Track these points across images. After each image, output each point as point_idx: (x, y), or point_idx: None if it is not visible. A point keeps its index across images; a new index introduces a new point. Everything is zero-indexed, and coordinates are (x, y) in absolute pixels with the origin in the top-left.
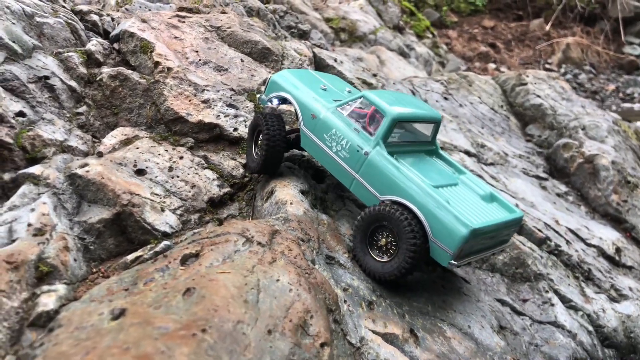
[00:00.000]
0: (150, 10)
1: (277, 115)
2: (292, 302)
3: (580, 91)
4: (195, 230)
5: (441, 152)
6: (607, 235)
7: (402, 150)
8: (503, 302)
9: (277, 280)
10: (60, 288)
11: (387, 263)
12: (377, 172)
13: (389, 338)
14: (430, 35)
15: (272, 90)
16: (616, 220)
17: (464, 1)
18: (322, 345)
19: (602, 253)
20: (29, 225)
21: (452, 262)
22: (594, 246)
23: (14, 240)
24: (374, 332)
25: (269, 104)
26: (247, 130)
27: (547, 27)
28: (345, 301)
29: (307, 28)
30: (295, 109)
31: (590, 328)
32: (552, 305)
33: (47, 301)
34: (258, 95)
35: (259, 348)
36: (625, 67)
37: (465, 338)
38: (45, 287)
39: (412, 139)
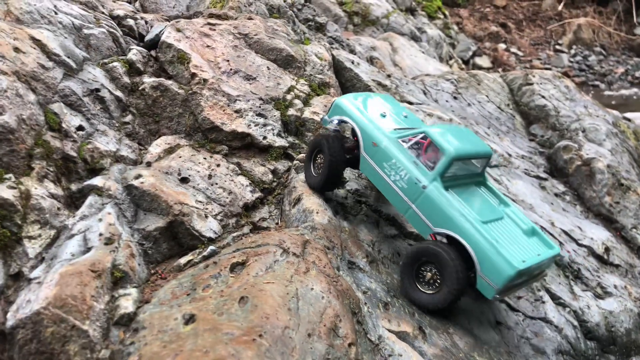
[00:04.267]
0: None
1: (339, 139)
2: (325, 308)
3: (589, 74)
4: (234, 234)
5: (488, 183)
6: (598, 235)
7: (456, 183)
8: (500, 300)
9: (312, 289)
10: (133, 291)
11: (434, 295)
12: (433, 206)
13: (402, 335)
14: (441, 16)
15: (335, 114)
16: (608, 220)
17: None
18: (350, 345)
19: (592, 252)
20: (100, 234)
21: (496, 296)
22: (585, 246)
23: (89, 248)
24: (389, 330)
25: (331, 125)
26: (275, 139)
27: (560, 7)
28: (365, 303)
29: (323, 21)
30: (356, 134)
31: (576, 323)
32: (543, 302)
33: (126, 304)
34: (321, 117)
35: (303, 349)
36: (636, 49)
37: (466, 334)
38: (120, 291)
39: (465, 171)
